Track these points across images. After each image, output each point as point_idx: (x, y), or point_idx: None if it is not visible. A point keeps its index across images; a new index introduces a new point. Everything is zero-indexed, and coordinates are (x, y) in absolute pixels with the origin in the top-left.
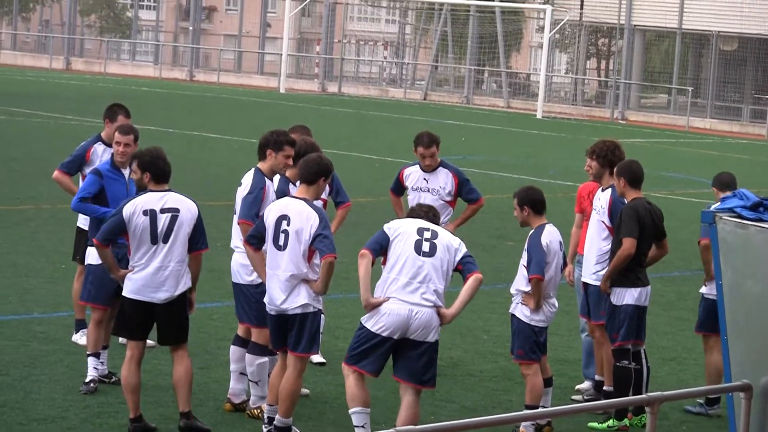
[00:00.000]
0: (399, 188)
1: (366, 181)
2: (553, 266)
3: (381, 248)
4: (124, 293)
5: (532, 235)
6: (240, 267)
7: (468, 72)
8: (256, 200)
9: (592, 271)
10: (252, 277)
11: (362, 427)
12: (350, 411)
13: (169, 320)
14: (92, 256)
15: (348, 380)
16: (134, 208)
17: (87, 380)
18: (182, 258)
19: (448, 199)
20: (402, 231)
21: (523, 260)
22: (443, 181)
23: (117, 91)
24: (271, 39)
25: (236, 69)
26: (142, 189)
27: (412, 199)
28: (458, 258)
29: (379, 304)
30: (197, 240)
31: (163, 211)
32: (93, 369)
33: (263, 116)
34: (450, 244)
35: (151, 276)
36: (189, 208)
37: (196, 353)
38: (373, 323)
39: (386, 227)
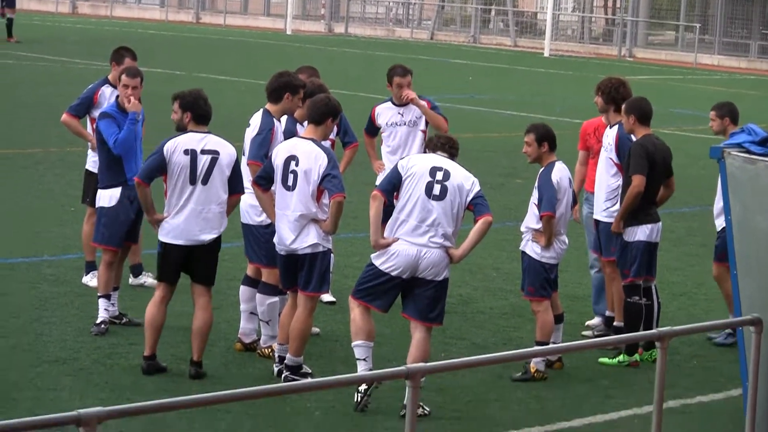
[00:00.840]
0: (372, 128)
1: None
2: (563, 203)
3: (393, 188)
4: (163, 238)
5: (543, 172)
6: (249, 207)
7: (475, 11)
8: (265, 141)
9: (602, 208)
10: (261, 218)
11: (364, 360)
12: (353, 344)
13: (206, 261)
14: (104, 198)
15: (353, 313)
16: (175, 147)
17: (98, 321)
18: (221, 200)
19: (424, 128)
20: (415, 170)
21: (534, 198)
22: (417, 111)
23: (123, 34)
24: None
25: (242, 11)
26: (181, 129)
27: (387, 135)
28: (469, 199)
29: (388, 245)
30: (236, 183)
31: (203, 152)
32: (104, 310)
33: (270, 58)
34: (462, 184)
35: (191, 219)
36: (229, 151)
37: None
38: (382, 262)
39: (399, 164)
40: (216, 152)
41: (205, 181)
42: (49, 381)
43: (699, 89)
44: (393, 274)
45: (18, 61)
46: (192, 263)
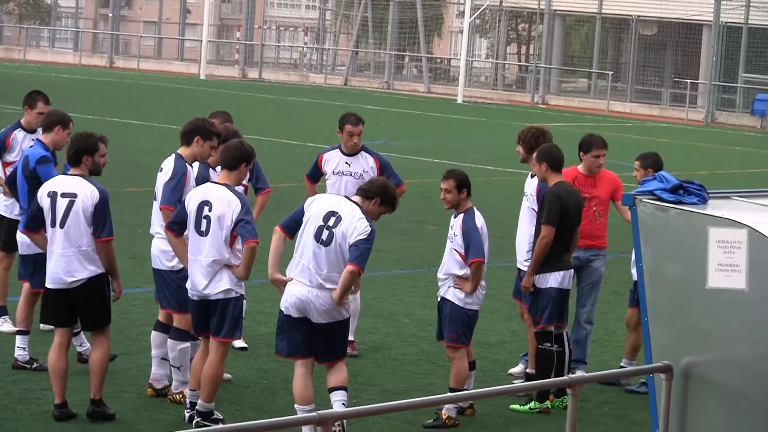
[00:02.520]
0: (316, 174)
1: (286, 167)
2: (485, 248)
3: (296, 225)
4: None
5: (466, 218)
6: (160, 253)
7: (389, 57)
8: (178, 185)
9: (524, 258)
10: (173, 263)
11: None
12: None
13: (84, 305)
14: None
15: (294, 374)
16: (42, 191)
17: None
18: (83, 243)
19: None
20: (312, 212)
21: (455, 244)
22: (365, 164)
23: (37, 78)
24: (191, 25)
25: (156, 55)
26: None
27: (332, 183)
28: (348, 244)
29: (282, 282)
30: (96, 227)
31: (63, 195)
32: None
33: (184, 103)
34: (346, 232)
35: (54, 261)
36: (89, 194)
37: (117, 339)
38: (282, 303)
39: (306, 203)
40: (74, 194)
41: (63, 224)
42: None
43: (612, 136)
44: (290, 314)
45: None
46: (76, 308)
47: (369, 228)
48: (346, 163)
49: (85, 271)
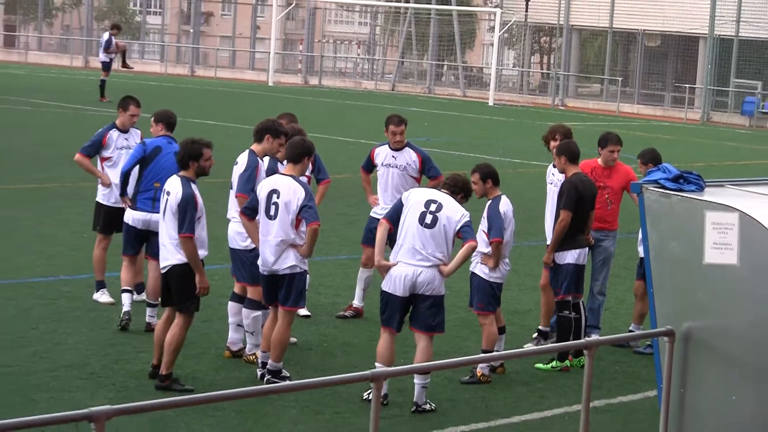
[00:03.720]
0: (369, 166)
1: (343, 161)
2: (509, 231)
3: (397, 216)
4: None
5: (491, 205)
6: (236, 234)
7: (429, 66)
8: (251, 177)
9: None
10: (246, 243)
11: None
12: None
13: (172, 287)
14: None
15: (380, 339)
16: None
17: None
18: (172, 235)
19: (414, 175)
20: (413, 202)
21: (483, 226)
22: (408, 158)
23: (128, 85)
24: (260, 39)
25: (231, 65)
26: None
27: (382, 174)
28: (457, 228)
29: (387, 267)
30: (178, 224)
31: (165, 192)
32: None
33: (254, 106)
34: (450, 216)
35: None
36: (177, 193)
37: (200, 309)
38: (387, 285)
39: (403, 196)
40: (168, 192)
41: (163, 216)
42: (64, 384)
43: (622, 134)
44: (397, 294)
45: (36, 108)
46: (170, 289)
47: (467, 212)
48: (393, 156)
49: (173, 258)
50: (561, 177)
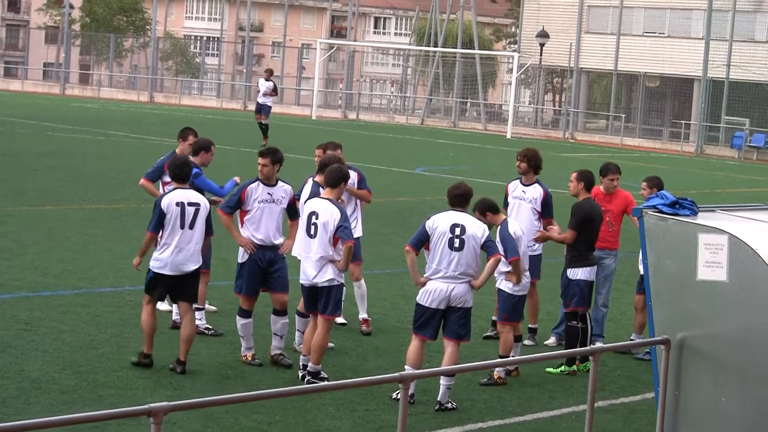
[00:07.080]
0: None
1: (376, 187)
2: (522, 247)
3: (421, 243)
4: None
5: (501, 229)
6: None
7: (455, 103)
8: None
9: (529, 244)
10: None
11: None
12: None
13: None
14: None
15: (411, 345)
16: (171, 199)
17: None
18: (198, 242)
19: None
20: (439, 230)
21: (500, 250)
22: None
23: (188, 117)
24: (305, 78)
25: (279, 101)
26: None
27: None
28: (481, 243)
29: (425, 283)
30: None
31: (189, 204)
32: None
33: (299, 137)
34: (475, 234)
35: (182, 255)
36: (204, 204)
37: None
38: (423, 299)
39: (426, 224)
40: (197, 204)
41: (191, 226)
42: (127, 382)
43: (625, 164)
44: (432, 306)
45: (108, 138)
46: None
47: (486, 227)
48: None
49: (194, 264)
50: (533, 194)
